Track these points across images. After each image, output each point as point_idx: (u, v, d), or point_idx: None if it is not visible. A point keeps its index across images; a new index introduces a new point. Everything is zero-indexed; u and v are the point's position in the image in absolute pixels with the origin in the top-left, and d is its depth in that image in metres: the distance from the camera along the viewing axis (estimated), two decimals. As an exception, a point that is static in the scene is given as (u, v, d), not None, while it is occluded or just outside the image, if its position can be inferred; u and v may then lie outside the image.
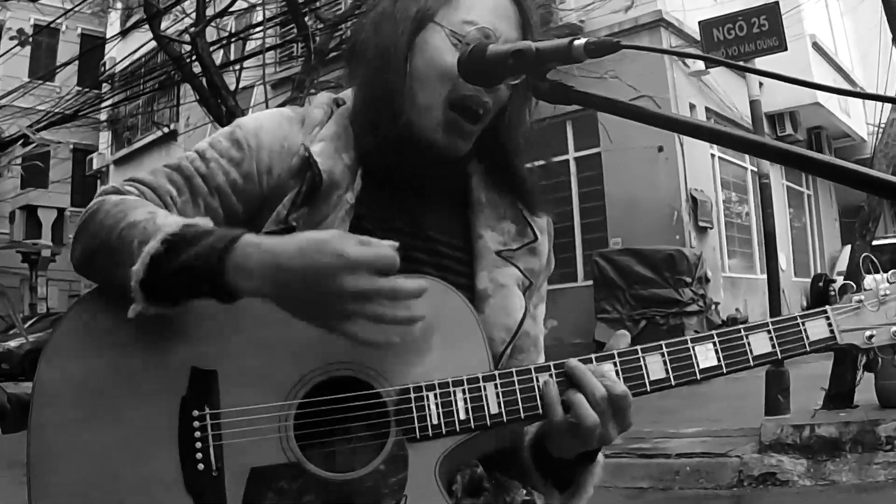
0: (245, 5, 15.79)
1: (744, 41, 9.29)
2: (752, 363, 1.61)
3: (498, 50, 1.61)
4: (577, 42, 1.43)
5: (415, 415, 1.57)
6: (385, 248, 1.45)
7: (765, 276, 9.87)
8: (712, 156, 17.61)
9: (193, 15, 13.96)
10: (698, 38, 10.06)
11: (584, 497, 1.80)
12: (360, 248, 1.45)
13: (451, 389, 1.58)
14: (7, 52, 14.26)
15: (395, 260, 1.45)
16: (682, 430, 8.77)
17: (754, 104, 9.65)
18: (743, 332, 1.62)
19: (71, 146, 34.90)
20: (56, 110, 20.21)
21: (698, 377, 1.60)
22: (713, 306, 15.16)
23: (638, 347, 1.63)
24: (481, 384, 1.59)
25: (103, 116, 27.25)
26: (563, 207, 16.35)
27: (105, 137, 30.89)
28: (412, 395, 1.58)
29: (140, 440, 1.57)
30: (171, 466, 1.56)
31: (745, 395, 9.20)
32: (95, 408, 1.59)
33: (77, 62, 22.78)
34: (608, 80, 13.54)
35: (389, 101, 1.79)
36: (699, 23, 9.95)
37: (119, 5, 18.96)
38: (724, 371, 1.60)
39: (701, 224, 16.01)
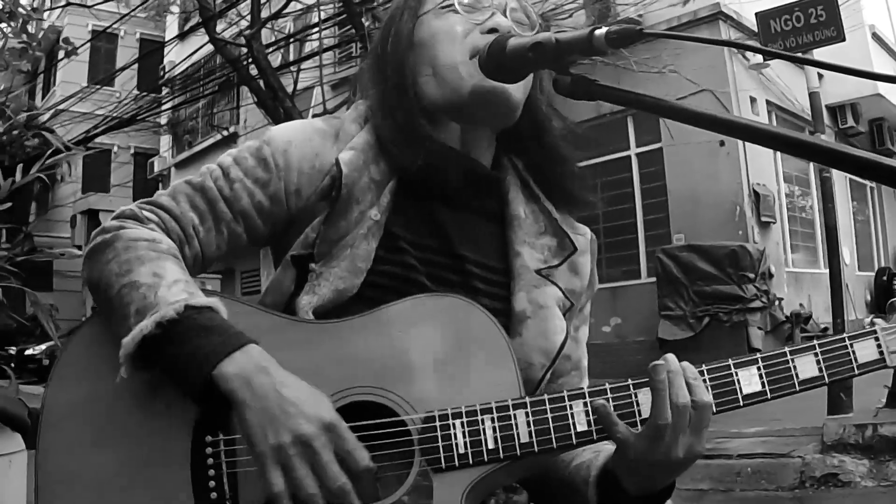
0: (300, 7, 15.85)
1: (801, 32, 9.13)
2: (797, 388, 1.54)
3: (517, 43, 1.55)
4: (598, 32, 1.36)
5: (440, 444, 1.50)
6: (368, 458, 1.42)
7: (828, 271, 9.70)
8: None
9: (249, 18, 14.07)
10: (756, 31, 9.93)
11: None
12: (350, 432, 1.42)
13: (479, 417, 1.51)
14: (63, 58, 14.40)
15: (365, 472, 1.41)
16: (744, 430, 8.64)
17: (814, 96, 9.48)
18: (788, 356, 1.54)
19: (132, 150, 35.34)
20: (115, 114, 20.42)
21: (741, 404, 1.53)
22: (777, 302, 14.94)
23: None
24: (511, 411, 1.51)
25: (164, 120, 27.57)
26: (626, 204, 16.21)
27: (166, 141, 31.17)
28: (437, 423, 1.51)
29: (150, 465, 1.52)
30: (183, 494, 1.50)
31: (807, 394, 9.03)
32: (104, 431, 1.54)
33: (136, 66, 22.97)
34: (668, 76, 13.38)
35: (404, 92, 1.77)
36: (756, 14, 9.81)
37: (175, 9, 19.14)
38: (769, 397, 1.53)
39: (763, 219, 15.77)
